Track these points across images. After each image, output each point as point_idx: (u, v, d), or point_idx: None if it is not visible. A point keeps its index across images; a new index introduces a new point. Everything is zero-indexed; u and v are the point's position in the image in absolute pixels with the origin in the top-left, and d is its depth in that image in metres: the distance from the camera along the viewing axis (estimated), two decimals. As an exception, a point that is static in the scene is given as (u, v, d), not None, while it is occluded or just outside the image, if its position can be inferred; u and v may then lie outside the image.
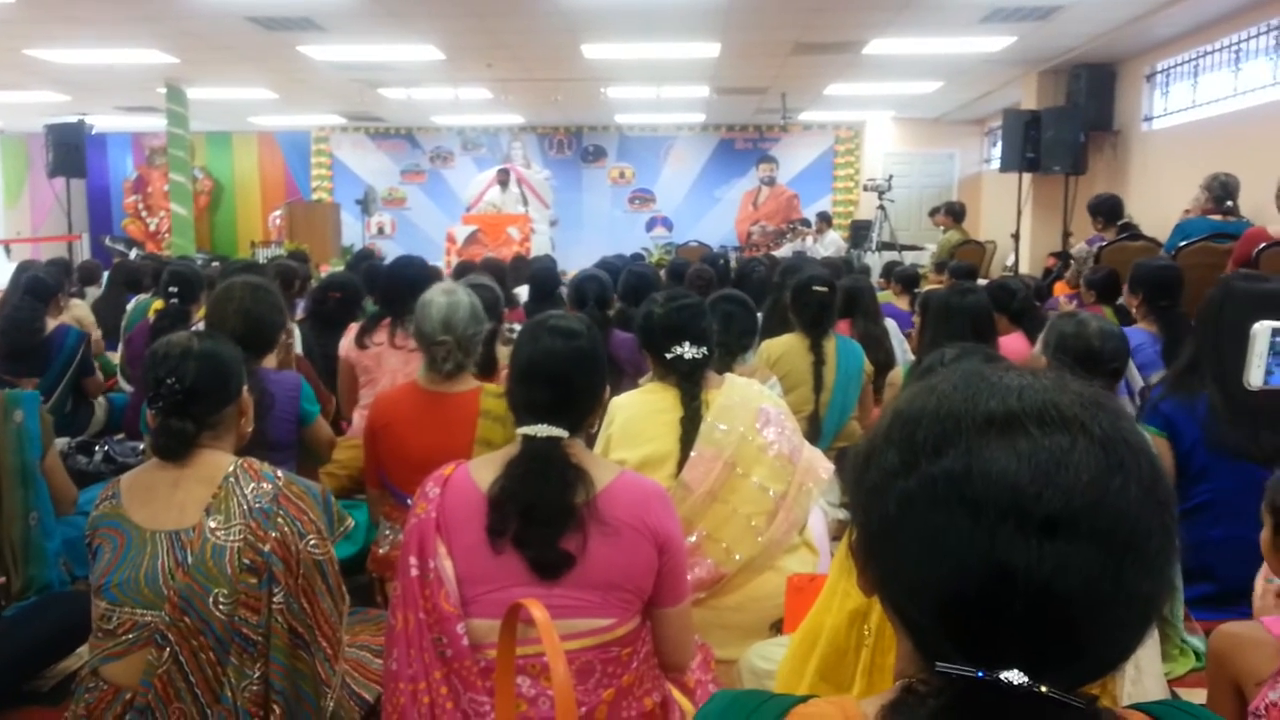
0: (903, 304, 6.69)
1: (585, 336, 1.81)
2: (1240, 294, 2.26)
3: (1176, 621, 1.94)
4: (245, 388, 1.98)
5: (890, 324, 5.05)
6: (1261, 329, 1.23)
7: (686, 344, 2.47)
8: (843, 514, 3.60)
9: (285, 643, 1.77)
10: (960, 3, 7.33)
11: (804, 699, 0.79)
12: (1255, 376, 1.25)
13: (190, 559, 1.75)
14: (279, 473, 1.87)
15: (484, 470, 1.75)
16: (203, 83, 11.09)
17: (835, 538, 3.06)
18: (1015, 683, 0.65)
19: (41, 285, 5.21)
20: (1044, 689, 0.65)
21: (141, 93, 11.61)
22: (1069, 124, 9.10)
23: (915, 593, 0.70)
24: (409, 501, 2.61)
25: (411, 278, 3.82)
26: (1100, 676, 0.70)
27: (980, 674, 0.66)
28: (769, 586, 2.35)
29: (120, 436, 4.44)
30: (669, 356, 2.49)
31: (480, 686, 1.63)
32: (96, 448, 3.95)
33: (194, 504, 1.80)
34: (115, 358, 5.89)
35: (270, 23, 8.15)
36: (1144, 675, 1.61)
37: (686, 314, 2.51)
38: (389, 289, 3.87)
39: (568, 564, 1.65)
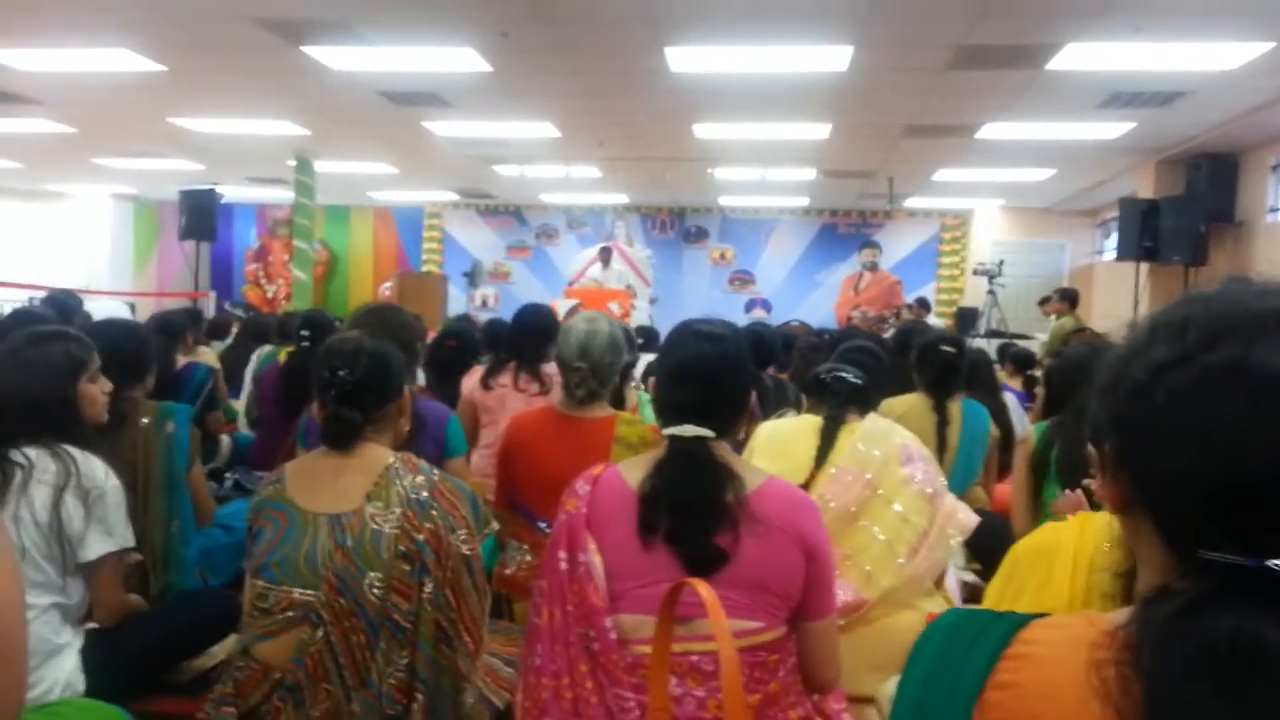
0: (1015, 384, 6.55)
1: (732, 341, 1.82)
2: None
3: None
4: (406, 388, 2.05)
5: (1010, 398, 4.95)
6: None
7: (847, 373, 2.59)
8: (969, 576, 3.50)
9: (431, 632, 1.79)
10: (1080, 87, 7.30)
11: (1040, 615, 0.78)
12: None
13: (350, 541, 1.79)
14: (435, 469, 1.92)
15: (634, 470, 1.76)
16: (330, 156, 11.67)
17: (966, 600, 2.98)
18: None
19: (170, 324, 5.48)
20: None
21: (271, 164, 12.27)
22: (1189, 214, 8.91)
23: (1184, 485, 0.69)
24: (539, 523, 2.65)
25: (538, 324, 3.94)
26: None
27: (1251, 563, 0.64)
28: (906, 622, 2.29)
29: (245, 468, 4.58)
30: (826, 379, 2.55)
31: (626, 682, 1.61)
32: (226, 475, 4.09)
33: (356, 490, 1.85)
34: (237, 405, 6.12)
35: (400, 98, 8.57)
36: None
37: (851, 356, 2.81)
38: (516, 334, 3.98)
39: (721, 560, 1.63)
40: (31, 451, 2.06)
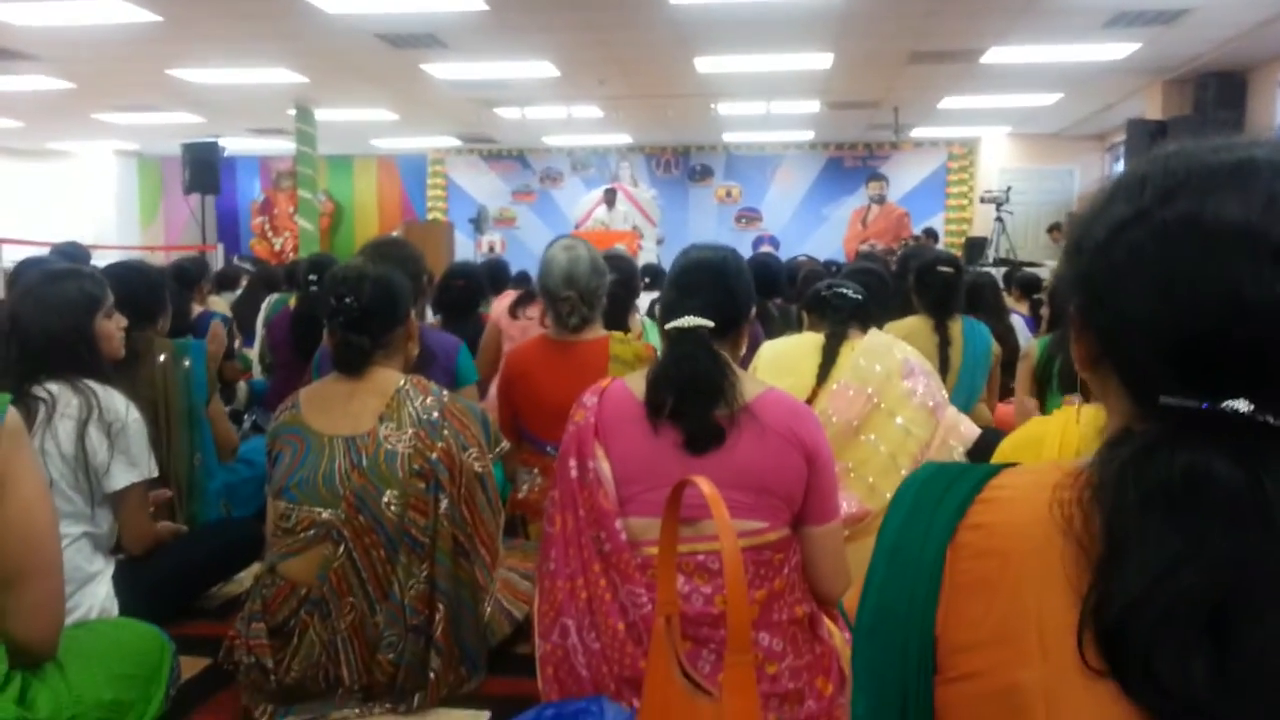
0: (1023, 309, 6.57)
1: (731, 253, 1.90)
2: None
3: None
4: (413, 313, 2.09)
5: (1016, 320, 4.97)
6: None
7: (846, 290, 2.60)
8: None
9: (449, 546, 1.86)
10: (1083, 6, 7.20)
11: (1012, 464, 0.82)
12: None
13: (365, 461, 1.86)
14: (444, 391, 1.98)
15: (638, 381, 1.81)
16: (329, 104, 11.60)
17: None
18: (1240, 410, 0.67)
19: (186, 272, 5.51)
20: (1270, 419, 0.67)
21: (271, 115, 12.21)
22: (1197, 134, 8.70)
23: (1145, 334, 0.72)
24: (546, 448, 2.71)
25: None
26: None
27: (1205, 405, 0.68)
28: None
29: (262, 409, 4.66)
30: (826, 294, 2.60)
31: (638, 579, 1.68)
32: (245, 416, 4.17)
33: (369, 413, 1.91)
34: (251, 353, 6.20)
35: (397, 39, 8.50)
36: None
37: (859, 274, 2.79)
38: None
39: (719, 437, 1.70)
40: (54, 386, 2.12)
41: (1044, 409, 3.11)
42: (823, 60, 9.03)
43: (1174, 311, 0.70)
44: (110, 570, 2.20)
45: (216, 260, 12.28)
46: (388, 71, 9.78)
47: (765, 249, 15.05)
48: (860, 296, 2.62)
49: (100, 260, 7.97)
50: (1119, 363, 0.77)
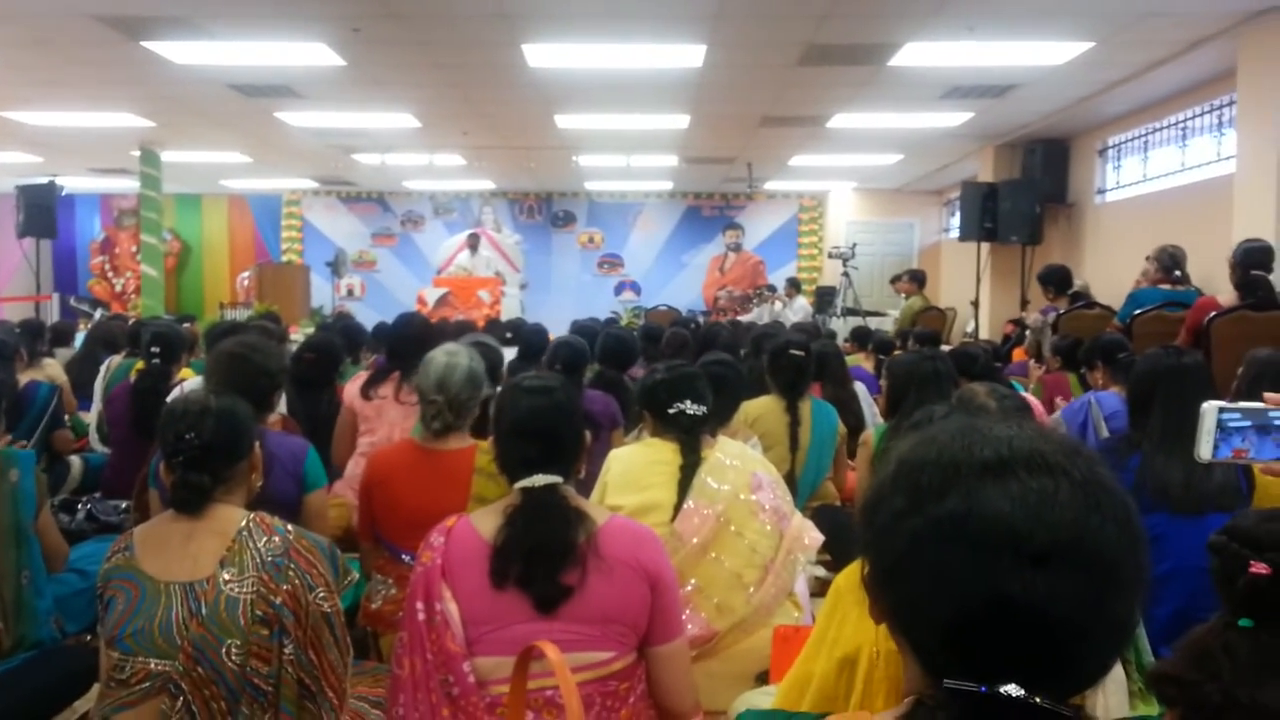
0: (869, 366, 6.88)
1: (560, 390, 1.97)
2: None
3: (1142, 661, 2.03)
4: (256, 444, 2.06)
5: (860, 387, 5.21)
6: (1209, 408, 1.39)
7: (688, 402, 2.62)
8: (820, 571, 3.69)
9: (294, 693, 1.83)
10: (920, 81, 7.64)
11: (823, 715, 0.89)
12: (1204, 450, 1.39)
13: (204, 610, 1.81)
14: (289, 526, 1.95)
15: (485, 520, 1.85)
16: (177, 146, 11.18)
17: (815, 594, 3.15)
18: (1013, 695, 0.75)
19: (3, 346, 5.19)
20: (1038, 700, 0.75)
21: (114, 155, 11.68)
22: (1025, 196, 9.44)
23: (924, 619, 0.80)
24: (403, 556, 2.69)
25: (416, 332, 4.03)
26: (1084, 689, 0.80)
27: (983, 689, 0.76)
28: (757, 639, 2.44)
29: (98, 495, 4.42)
30: (671, 412, 2.63)
31: (487, 720, 1.71)
32: (79, 506, 3.95)
33: (208, 556, 1.86)
34: (87, 417, 5.87)
35: (250, 90, 8.29)
36: (1109, 697, 1.71)
37: (688, 377, 2.72)
38: (396, 343, 4.03)
39: (567, 597, 1.75)
40: None
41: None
42: (680, 121, 9.28)
43: (948, 602, 0.77)
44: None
45: (51, 311, 11.60)
46: (239, 118, 9.52)
47: (627, 294, 15.28)
48: (703, 411, 2.66)
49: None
50: (906, 636, 0.85)
